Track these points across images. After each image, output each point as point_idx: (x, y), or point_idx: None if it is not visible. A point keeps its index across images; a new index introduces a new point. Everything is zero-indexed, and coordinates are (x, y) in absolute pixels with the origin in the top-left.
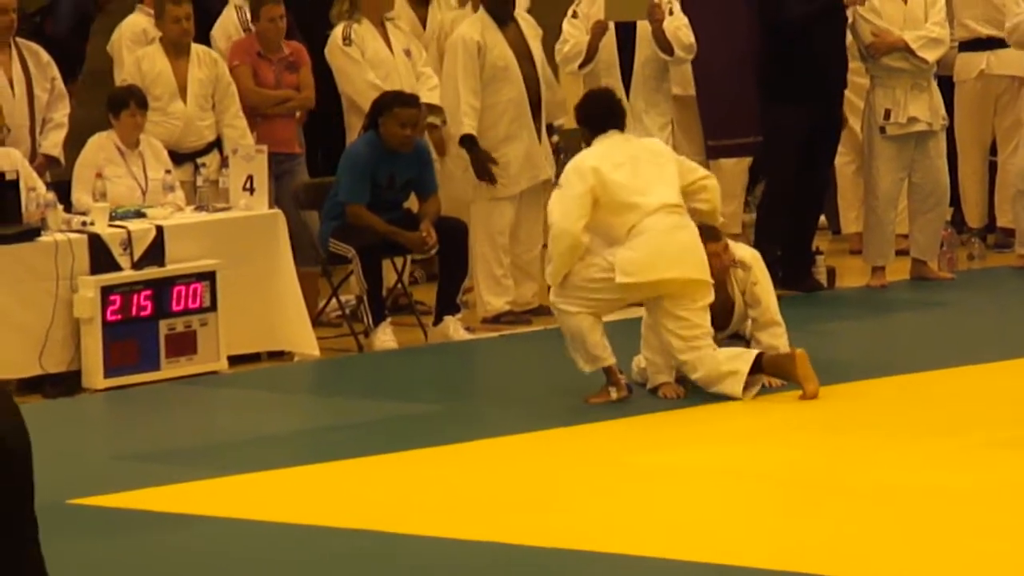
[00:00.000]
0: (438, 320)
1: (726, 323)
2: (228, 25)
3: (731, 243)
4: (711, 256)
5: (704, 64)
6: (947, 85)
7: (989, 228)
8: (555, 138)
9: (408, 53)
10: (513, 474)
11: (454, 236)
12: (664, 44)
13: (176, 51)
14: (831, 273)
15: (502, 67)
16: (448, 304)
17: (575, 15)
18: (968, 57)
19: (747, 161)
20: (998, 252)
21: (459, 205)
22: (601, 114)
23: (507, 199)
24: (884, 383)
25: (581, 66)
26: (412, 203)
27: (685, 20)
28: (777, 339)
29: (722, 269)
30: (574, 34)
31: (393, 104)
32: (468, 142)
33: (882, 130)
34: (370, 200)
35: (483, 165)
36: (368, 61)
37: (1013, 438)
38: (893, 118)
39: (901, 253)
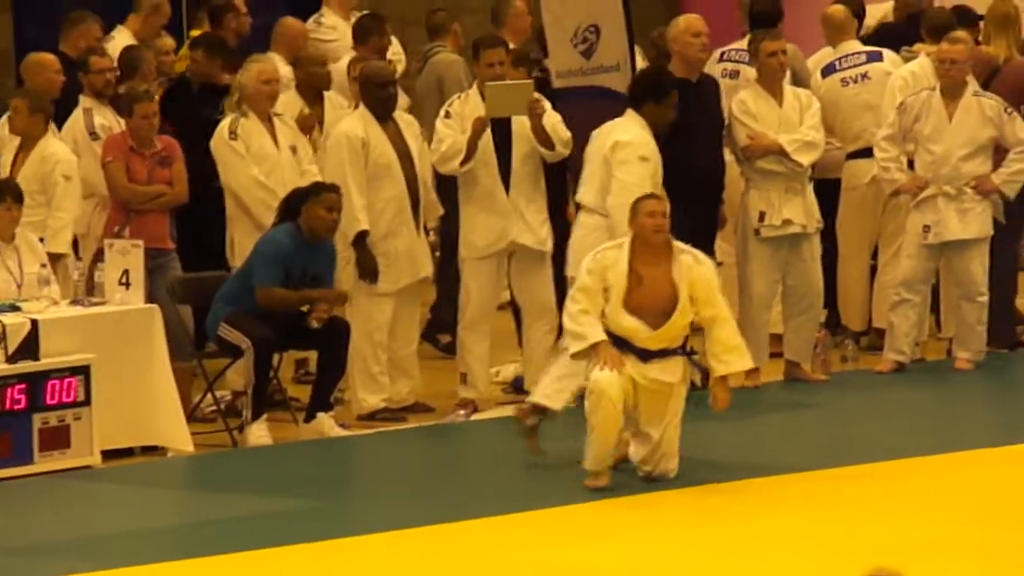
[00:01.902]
0: (311, 416)
1: (668, 312)
2: (75, 128)
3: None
4: (657, 214)
5: (581, 164)
6: (827, 186)
7: (863, 330)
8: (431, 237)
9: (294, 150)
10: (387, 572)
11: (335, 333)
12: (544, 139)
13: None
14: (705, 373)
15: (384, 164)
16: (323, 401)
17: (448, 115)
18: (860, 164)
19: None
20: (872, 354)
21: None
22: None
23: (386, 296)
24: (759, 483)
25: (462, 164)
26: None
27: (558, 116)
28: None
29: (659, 229)
30: (449, 134)
31: (320, 190)
32: (360, 239)
33: (756, 232)
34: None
35: (368, 264)
36: (253, 156)
37: (878, 544)
38: (767, 220)
39: (776, 355)
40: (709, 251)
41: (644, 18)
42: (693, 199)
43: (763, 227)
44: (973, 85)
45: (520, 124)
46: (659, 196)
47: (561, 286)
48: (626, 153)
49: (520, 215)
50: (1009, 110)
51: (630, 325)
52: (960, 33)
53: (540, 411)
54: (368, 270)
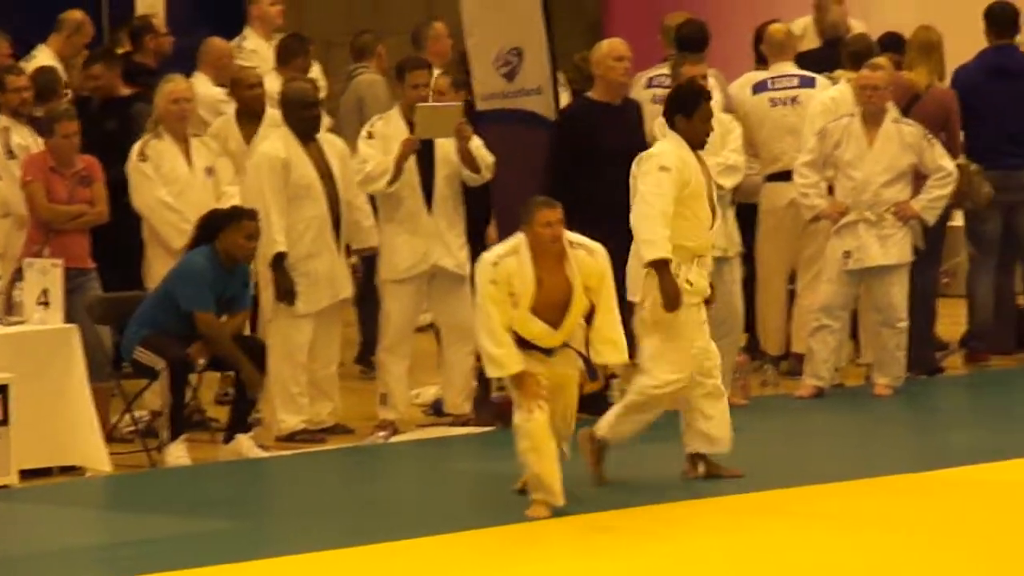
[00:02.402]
0: (230, 438)
1: (566, 307)
2: None
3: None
4: (554, 224)
5: (500, 187)
6: (748, 211)
7: (783, 354)
8: (353, 259)
9: (211, 171)
10: None
11: (252, 355)
12: (470, 162)
13: None
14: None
15: (305, 185)
16: (241, 422)
17: (371, 135)
18: (778, 187)
19: None
20: (791, 379)
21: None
22: None
23: (306, 317)
24: (671, 508)
25: (389, 184)
26: None
27: (480, 140)
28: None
29: (556, 238)
30: (373, 154)
31: (239, 217)
32: (279, 260)
33: None
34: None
35: (286, 286)
36: (163, 177)
37: (795, 568)
38: None
39: None
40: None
41: (567, 42)
42: (615, 222)
43: None
44: (893, 112)
45: (442, 146)
46: (553, 203)
47: None
48: (648, 165)
49: (440, 238)
50: (929, 137)
51: (538, 329)
52: (881, 60)
53: (602, 442)
54: (285, 292)
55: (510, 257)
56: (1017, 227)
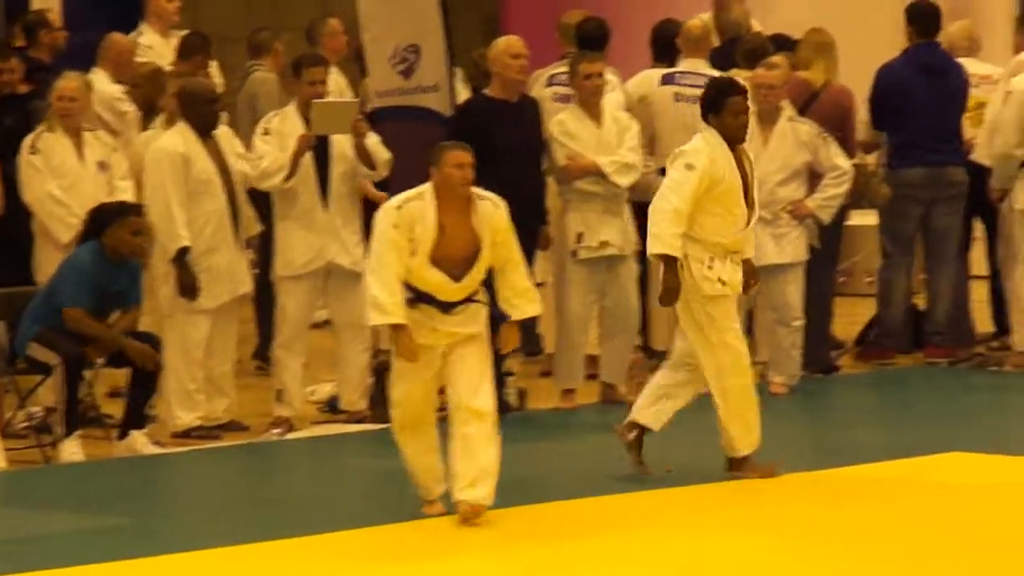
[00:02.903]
0: (124, 434)
1: (470, 261)
2: None
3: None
4: (465, 167)
5: (397, 184)
6: (644, 209)
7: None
8: (249, 253)
9: (104, 165)
10: None
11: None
12: (367, 159)
13: None
14: (522, 394)
15: (205, 180)
16: (136, 418)
17: (267, 132)
18: None
19: None
20: None
21: (157, 318)
22: None
23: (203, 313)
24: (568, 505)
25: (286, 180)
26: None
27: (376, 137)
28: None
29: (466, 181)
30: (269, 150)
31: (128, 213)
32: (181, 255)
33: (573, 253)
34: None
35: (188, 281)
36: (53, 171)
37: (692, 568)
38: (585, 242)
39: (591, 377)
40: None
41: (464, 38)
42: (513, 219)
43: (580, 248)
44: (789, 110)
45: (339, 143)
46: (466, 146)
47: None
48: (678, 161)
49: (336, 234)
50: (824, 135)
51: (436, 279)
52: (777, 59)
53: (639, 427)
54: (188, 287)
55: (414, 201)
56: (934, 223)
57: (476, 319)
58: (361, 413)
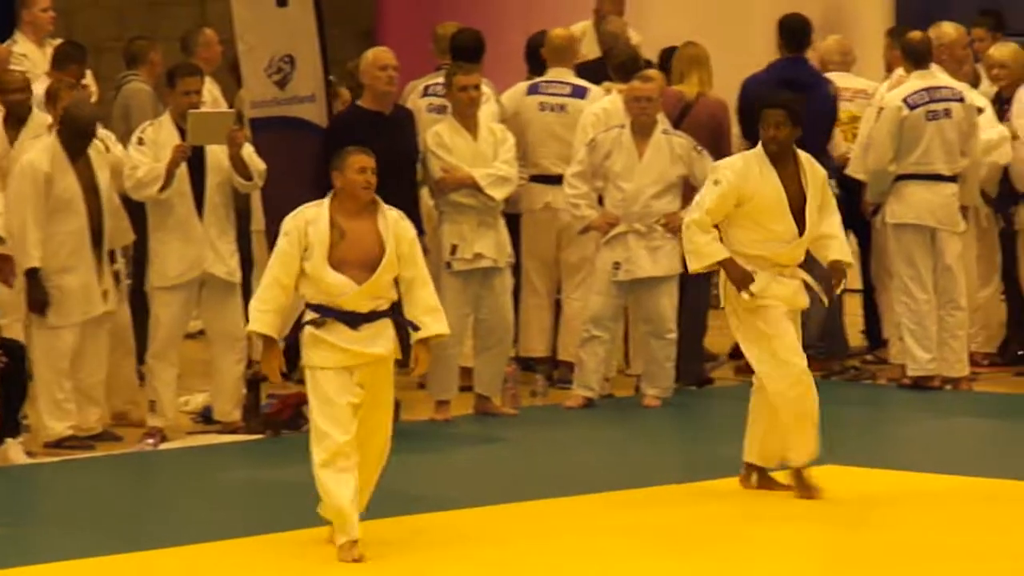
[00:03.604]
0: None
1: (374, 266)
2: None
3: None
4: (368, 171)
5: (272, 195)
6: (517, 221)
7: (554, 364)
8: (116, 265)
9: None
10: None
11: (11, 357)
12: (242, 170)
13: None
14: (396, 405)
15: (67, 199)
16: (8, 427)
17: (141, 142)
18: (536, 188)
19: None
20: (561, 388)
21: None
22: None
23: (65, 327)
24: (443, 517)
25: (161, 190)
26: None
27: (251, 148)
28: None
29: (369, 185)
30: (144, 160)
31: None
32: (32, 274)
33: (448, 265)
34: None
35: (38, 299)
36: None
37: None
38: (459, 253)
39: (465, 389)
40: None
41: (340, 49)
42: None
43: (455, 260)
44: (663, 123)
45: (213, 153)
46: (368, 151)
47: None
48: (710, 177)
49: (212, 245)
50: (699, 148)
51: (335, 281)
52: (652, 72)
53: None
54: (38, 303)
55: (310, 208)
56: None
57: (385, 336)
58: (235, 424)
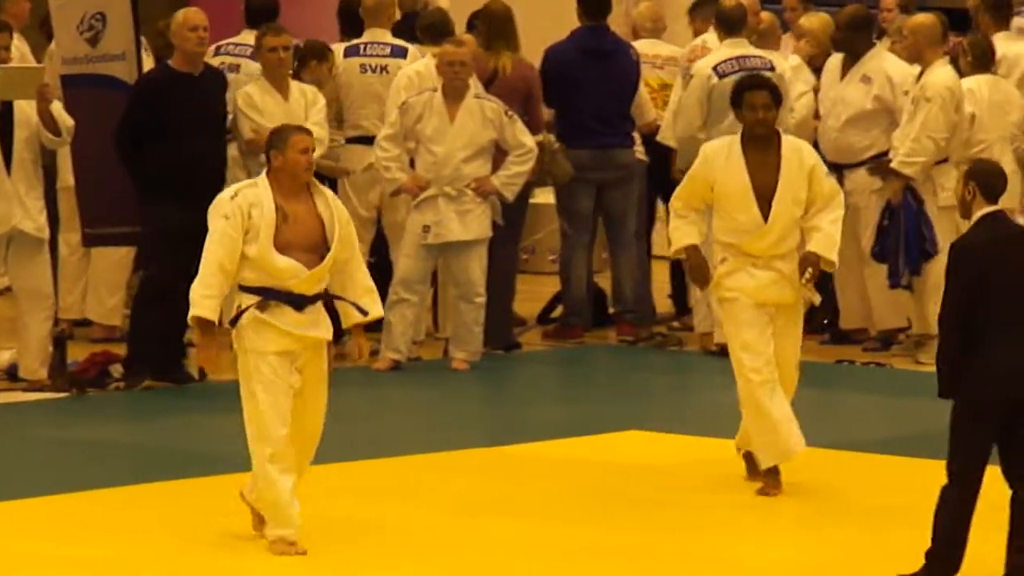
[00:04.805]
0: None
1: (319, 249)
2: None
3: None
4: (309, 151)
5: (82, 152)
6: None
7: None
8: None
9: None
10: None
11: None
12: (51, 125)
13: None
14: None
15: None
16: None
17: None
18: (358, 150)
19: (129, 251)
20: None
21: None
22: None
23: None
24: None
25: None
26: None
27: (60, 104)
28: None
29: (310, 166)
30: None
31: None
32: None
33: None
34: None
35: None
36: None
37: (373, 540)
38: None
39: None
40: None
41: (151, 8)
42: (194, 192)
43: None
44: (476, 87)
45: (21, 109)
46: (307, 130)
47: None
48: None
49: (20, 201)
50: (510, 113)
51: (284, 266)
52: (465, 36)
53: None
54: None
55: (249, 188)
56: (608, 205)
57: (324, 320)
58: (41, 382)
